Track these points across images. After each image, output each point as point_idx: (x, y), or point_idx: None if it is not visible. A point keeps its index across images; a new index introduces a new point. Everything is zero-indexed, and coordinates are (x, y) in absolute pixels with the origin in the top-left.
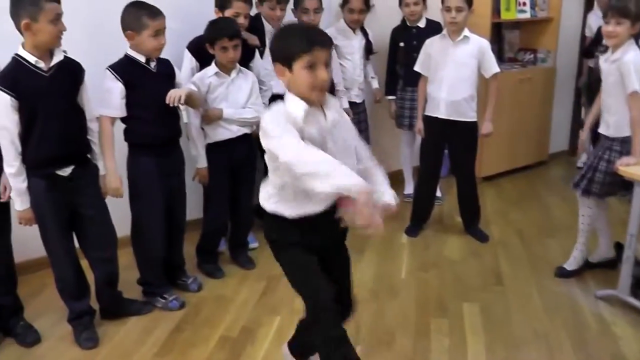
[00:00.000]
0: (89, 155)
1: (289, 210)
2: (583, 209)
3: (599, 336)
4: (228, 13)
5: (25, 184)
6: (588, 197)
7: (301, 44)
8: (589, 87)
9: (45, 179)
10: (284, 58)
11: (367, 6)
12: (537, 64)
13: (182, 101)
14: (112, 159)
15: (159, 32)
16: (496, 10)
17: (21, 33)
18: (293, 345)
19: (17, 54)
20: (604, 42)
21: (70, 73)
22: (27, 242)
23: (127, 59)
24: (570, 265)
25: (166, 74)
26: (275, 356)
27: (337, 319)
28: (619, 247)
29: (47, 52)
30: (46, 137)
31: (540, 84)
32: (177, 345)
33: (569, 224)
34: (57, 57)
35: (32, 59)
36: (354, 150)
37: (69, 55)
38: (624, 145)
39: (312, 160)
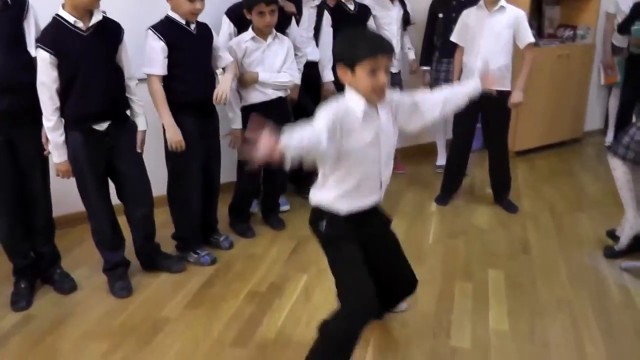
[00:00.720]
0: (127, 113)
1: (342, 205)
2: (618, 173)
3: (622, 307)
4: None
5: (62, 138)
6: (623, 161)
7: (367, 49)
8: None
9: (82, 133)
10: (348, 60)
11: None
12: (576, 41)
13: (228, 99)
14: (168, 114)
15: None
16: None
17: None
18: None
19: (57, 14)
20: None
21: (109, 33)
22: (67, 196)
23: (167, 20)
24: (620, 245)
25: (205, 36)
26: (300, 311)
27: (361, 327)
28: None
29: (86, 13)
30: (85, 93)
31: (578, 61)
32: (208, 298)
33: (600, 200)
34: (96, 18)
35: (71, 19)
36: (396, 136)
37: (109, 15)
38: None
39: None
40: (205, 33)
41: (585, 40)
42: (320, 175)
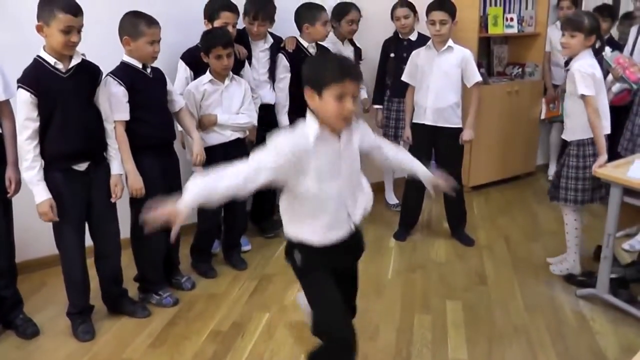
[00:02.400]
0: (104, 154)
1: (313, 239)
2: (569, 218)
3: (578, 331)
4: (217, 23)
5: (39, 176)
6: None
7: (334, 73)
8: None
9: (62, 173)
10: (315, 84)
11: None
12: (525, 78)
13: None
14: (131, 160)
15: (155, 41)
16: (484, 25)
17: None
18: None
19: (38, 55)
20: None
21: (88, 74)
22: (29, 241)
23: (124, 65)
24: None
25: (160, 79)
26: (262, 348)
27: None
28: (598, 248)
29: (65, 55)
30: (64, 133)
31: (527, 97)
32: (171, 338)
33: (554, 229)
34: (75, 60)
35: (51, 60)
36: (359, 170)
37: (88, 58)
38: (579, 148)
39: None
40: (159, 76)
41: (534, 77)
42: (283, 207)
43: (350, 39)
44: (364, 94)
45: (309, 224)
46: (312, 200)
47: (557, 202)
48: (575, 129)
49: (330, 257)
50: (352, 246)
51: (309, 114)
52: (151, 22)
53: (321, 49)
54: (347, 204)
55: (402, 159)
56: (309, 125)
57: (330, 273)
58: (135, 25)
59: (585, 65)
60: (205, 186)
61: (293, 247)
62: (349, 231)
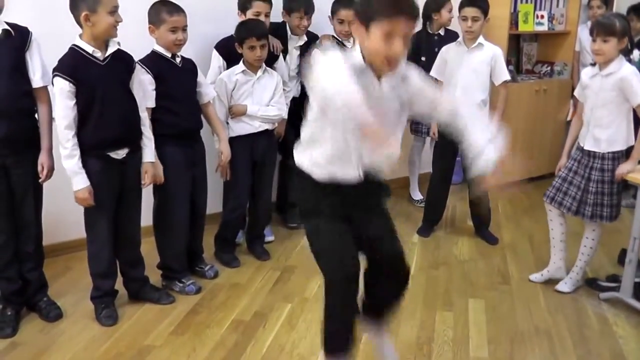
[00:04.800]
0: (140, 142)
1: (321, 171)
2: (554, 224)
3: (600, 335)
4: (250, 13)
5: (79, 165)
6: (557, 208)
7: (385, 6)
8: None
9: (99, 160)
10: (364, 15)
11: None
12: (554, 77)
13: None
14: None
15: (177, 29)
16: (514, 23)
17: (80, 25)
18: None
19: (74, 45)
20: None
21: (124, 63)
22: (55, 225)
23: (153, 53)
24: (566, 286)
25: (190, 69)
26: (284, 340)
27: (349, 300)
28: (623, 252)
29: (103, 43)
30: (102, 120)
31: (555, 96)
32: (192, 326)
33: (577, 231)
34: (112, 48)
35: (89, 48)
36: (401, 124)
37: (126, 49)
38: (614, 162)
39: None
40: (190, 66)
41: (562, 76)
42: (304, 137)
43: None
44: None
45: (313, 151)
46: (330, 121)
47: (586, 219)
48: (614, 140)
49: (337, 197)
50: (362, 195)
51: (356, 45)
52: (174, 9)
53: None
54: (363, 152)
55: (461, 115)
56: (353, 57)
57: (339, 220)
58: (158, 12)
59: (635, 70)
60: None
61: (300, 185)
62: (357, 178)
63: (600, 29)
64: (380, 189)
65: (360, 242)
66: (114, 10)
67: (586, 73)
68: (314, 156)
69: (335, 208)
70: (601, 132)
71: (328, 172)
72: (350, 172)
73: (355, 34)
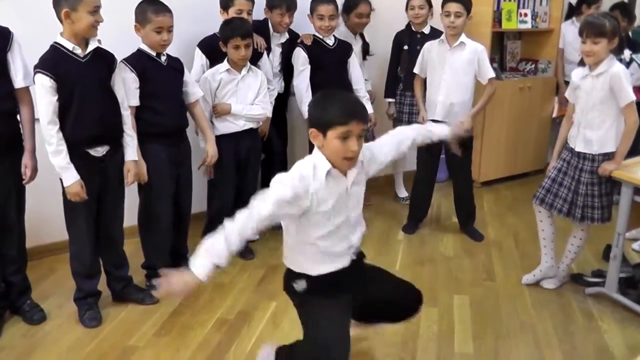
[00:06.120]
0: (121, 140)
1: (312, 269)
2: (544, 225)
3: (585, 330)
4: (232, 11)
5: (66, 160)
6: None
7: (339, 115)
8: None
9: (78, 158)
10: (320, 124)
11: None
12: (538, 74)
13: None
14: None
15: (162, 29)
16: (497, 20)
17: (61, 21)
18: None
19: (55, 42)
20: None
21: (104, 60)
22: (38, 228)
23: (139, 52)
24: (551, 283)
25: (175, 68)
26: (269, 337)
27: None
28: (608, 247)
29: (83, 41)
30: (81, 117)
31: (540, 94)
32: (176, 327)
33: (562, 227)
34: (92, 45)
35: (69, 45)
36: (362, 205)
37: (102, 46)
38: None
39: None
40: (176, 65)
41: (546, 73)
42: (285, 236)
43: (361, 33)
44: (368, 87)
45: (312, 254)
46: (319, 233)
47: (576, 221)
48: (605, 141)
49: (332, 283)
50: (353, 272)
51: (316, 151)
52: (160, 9)
53: (341, 42)
54: (350, 238)
55: (410, 136)
56: (320, 162)
57: (334, 298)
58: (144, 12)
59: (625, 70)
60: (224, 247)
61: (290, 277)
62: (350, 261)
63: (590, 30)
64: (362, 259)
65: (365, 306)
66: (95, 10)
67: (577, 74)
68: (306, 258)
69: (331, 290)
70: (592, 133)
71: (323, 268)
72: (344, 259)
73: (314, 141)
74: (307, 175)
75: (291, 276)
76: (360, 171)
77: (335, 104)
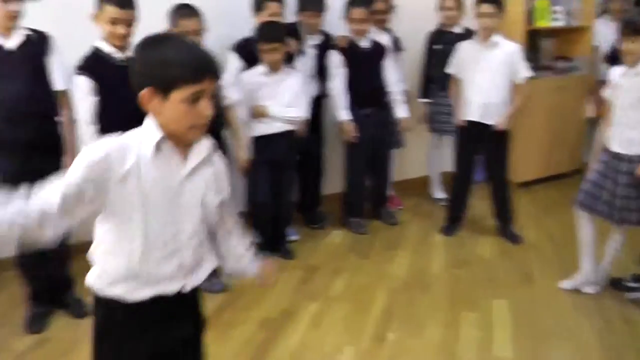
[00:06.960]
0: None
1: (117, 290)
2: (582, 233)
3: (627, 336)
4: (265, 15)
5: None
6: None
7: (189, 70)
8: None
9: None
10: (160, 82)
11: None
12: (573, 72)
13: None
14: None
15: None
16: (530, 19)
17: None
18: None
19: (95, 45)
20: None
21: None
22: (82, 224)
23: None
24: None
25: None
26: (311, 336)
27: None
28: None
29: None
30: (120, 120)
31: (575, 92)
32: (219, 325)
33: (600, 231)
34: (130, 51)
35: (108, 49)
36: (200, 211)
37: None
38: None
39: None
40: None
41: (582, 71)
42: (95, 244)
43: (386, 28)
44: (403, 113)
45: (111, 262)
46: (132, 236)
47: (616, 224)
48: None
49: (143, 323)
50: (180, 314)
51: (148, 119)
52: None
53: (376, 44)
54: (184, 256)
55: (232, 244)
56: (148, 131)
57: (143, 350)
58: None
59: None
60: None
61: (95, 301)
62: (178, 291)
63: (628, 29)
64: (197, 304)
65: None
66: (112, 22)
67: (616, 72)
68: (110, 270)
69: (142, 333)
70: (632, 132)
71: (137, 290)
72: (173, 282)
73: (146, 106)
74: (128, 145)
75: (95, 300)
76: (208, 158)
77: (180, 53)
